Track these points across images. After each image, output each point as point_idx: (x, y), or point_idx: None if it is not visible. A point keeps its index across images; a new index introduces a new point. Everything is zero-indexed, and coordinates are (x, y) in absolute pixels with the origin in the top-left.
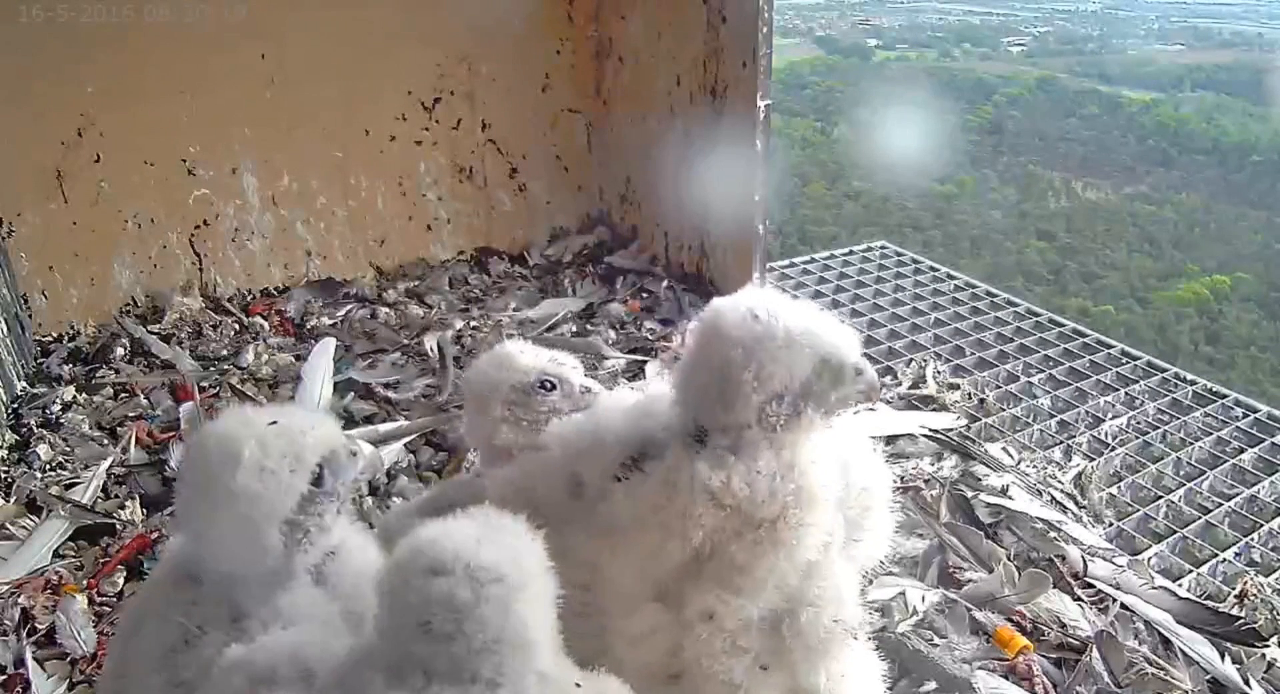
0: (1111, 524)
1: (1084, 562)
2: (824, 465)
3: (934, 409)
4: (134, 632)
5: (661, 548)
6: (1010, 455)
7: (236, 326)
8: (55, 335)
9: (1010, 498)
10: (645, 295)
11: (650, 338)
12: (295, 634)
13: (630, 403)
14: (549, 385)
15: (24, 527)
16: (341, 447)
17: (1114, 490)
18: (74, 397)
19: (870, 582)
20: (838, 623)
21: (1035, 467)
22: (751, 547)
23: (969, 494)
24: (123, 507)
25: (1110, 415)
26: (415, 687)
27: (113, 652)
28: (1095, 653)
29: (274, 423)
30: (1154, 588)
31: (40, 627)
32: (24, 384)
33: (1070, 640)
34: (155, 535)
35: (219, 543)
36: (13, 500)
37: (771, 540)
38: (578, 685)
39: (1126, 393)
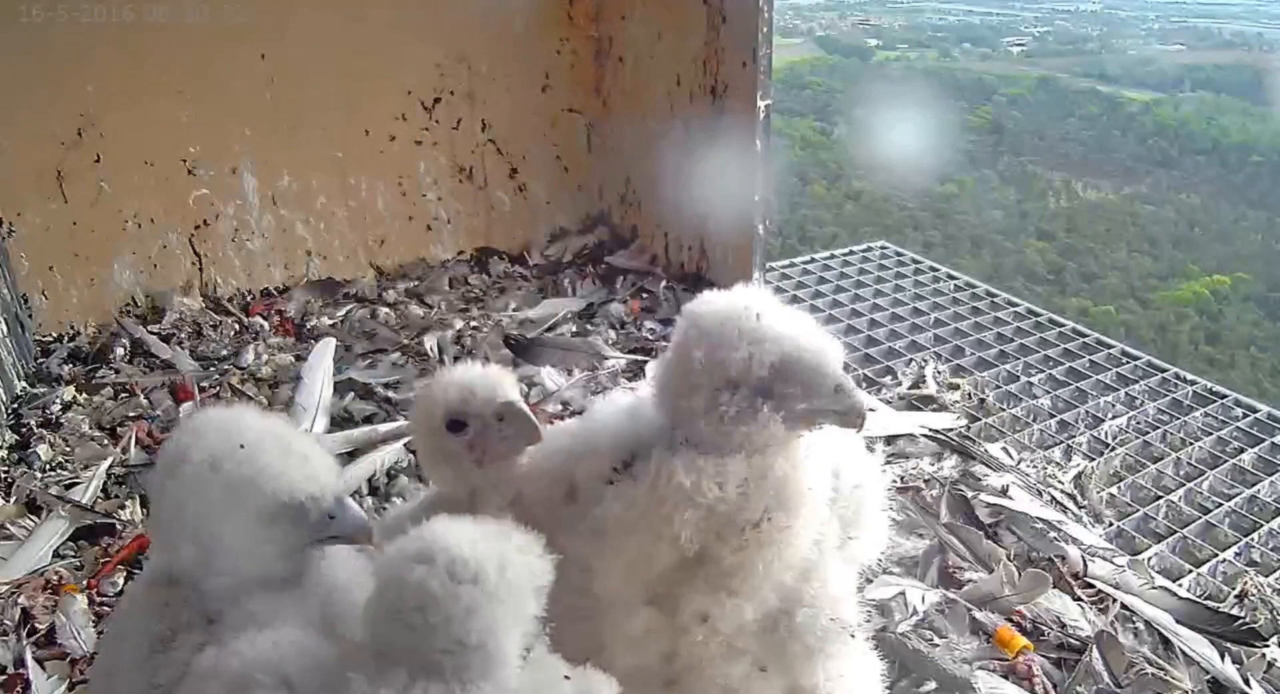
0: (1111, 524)
1: (1084, 562)
2: (810, 468)
3: (934, 409)
4: (121, 632)
5: (650, 551)
6: (1010, 455)
7: (236, 326)
8: (55, 335)
9: (1010, 498)
10: (645, 295)
11: (650, 338)
12: (271, 638)
13: (624, 404)
14: (457, 424)
15: (24, 527)
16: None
17: (1114, 490)
18: (74, 397)
19: (869, 581)
20: (835, 621)
21: (1035, 467)
22: (738, 550)
23: (969, 494)
24: (123, 507)
25: (1110, 415)
26: (398, 685)
27: (103, 650)
28: (1095, 653)
29: (242, 446)
30: (1154, 588)
31: (40, 627)
32: (24, 384)
33: (1070, 640)
34: None
35: (163, 535)
36: (13, 500)
37: (758, 543)
38: (566, 678)
39: (1126, 393)
